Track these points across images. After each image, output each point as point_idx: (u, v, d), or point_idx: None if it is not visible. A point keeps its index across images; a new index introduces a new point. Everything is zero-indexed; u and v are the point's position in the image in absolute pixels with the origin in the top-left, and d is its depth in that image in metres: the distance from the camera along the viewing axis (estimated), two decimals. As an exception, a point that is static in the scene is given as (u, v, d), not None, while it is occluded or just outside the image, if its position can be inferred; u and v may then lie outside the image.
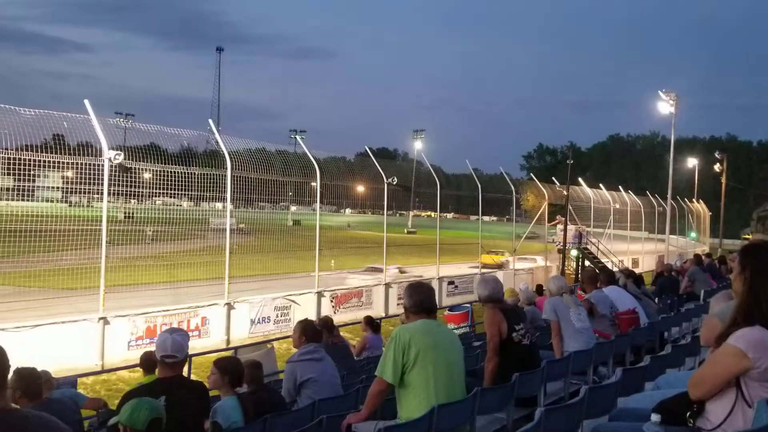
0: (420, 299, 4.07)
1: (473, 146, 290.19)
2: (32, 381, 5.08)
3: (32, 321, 11.99)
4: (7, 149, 13.47)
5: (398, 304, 20.04)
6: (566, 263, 28.75)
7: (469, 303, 17.75)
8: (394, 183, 21.36)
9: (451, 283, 22.88)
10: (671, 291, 12.23)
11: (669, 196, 38.66)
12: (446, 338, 4.05)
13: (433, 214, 35.78)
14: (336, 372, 6.24)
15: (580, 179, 36.45)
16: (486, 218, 32.08)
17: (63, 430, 2.46)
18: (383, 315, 18.38)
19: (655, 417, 2.76)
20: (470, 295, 21.25)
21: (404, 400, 3.91)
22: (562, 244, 28.84)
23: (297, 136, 23.16)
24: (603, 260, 29.44)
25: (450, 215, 73.26)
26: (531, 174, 42.26)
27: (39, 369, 6.35)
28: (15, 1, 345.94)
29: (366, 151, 24.74)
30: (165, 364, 4.12)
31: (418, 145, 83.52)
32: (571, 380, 5.82)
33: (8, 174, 14.61)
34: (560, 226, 29.95)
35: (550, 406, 3.74)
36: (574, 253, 29.30)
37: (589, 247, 30.34)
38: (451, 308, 16.99)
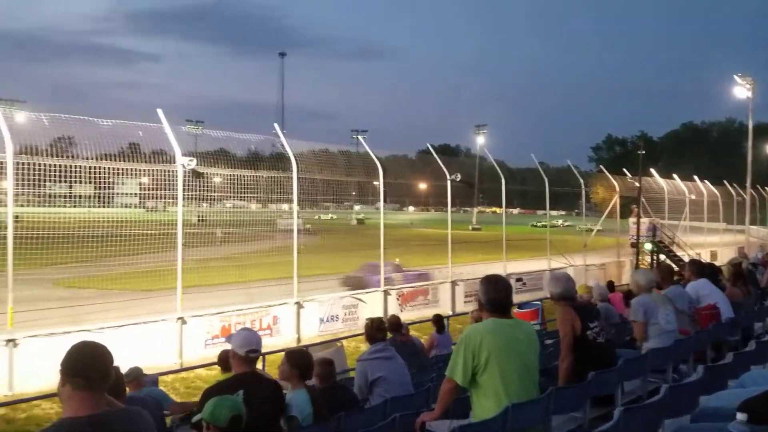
0: (494, 298, 3.99)
1: (538, 140, 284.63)
2: (116, 380, 5.32)
3: (115, 322, 12.55)
4: (87, 158, 14.18)
5: (465, 302, 19.95)
6: (640, 257, 27.86)
7: (539, 300, 17.44)
8: (458, 179, 21.19)
9: (519, 280, 22.54)
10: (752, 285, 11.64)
11: (748, 185, 36.92)
12: (520, 337, 3.96)
13: (498, 209, 35.33)
14: (406, 370, 6.25)
15: (652, 170, 35.20)
16: (554, 213, 31.41)
17: (146, 426, 2.59)
18: (450, 313, 18.29)
19: (741, 416, 2.66)
20: (540, 292, 20.88)
21: (477, 400, 3.90)
22: (635, 237, 27.96)
23: (359, 136, 23.29)
24: (678, 253, 28.37)
25: (516, 211, 72.24)
26: (600, 166, 41.08)
27: (132, 366, 6.69)
28: (89, 15, 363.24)
29: (428, 148, 24.68)
30: (244, 360, 4.24)
31: (480, 140, 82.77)
32: (650, 379, 5.65)
33: (89, 182, 15.34)
34: (632, 219, 29.06)
35: (629, 406, 3.66)
36: (648, 246, 28.34)
37: (663, 240, 29.31)
38: (520, 305, 16.73)
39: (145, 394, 6.40)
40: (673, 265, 22.50)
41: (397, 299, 18.40)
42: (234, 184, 16.62)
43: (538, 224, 46.08)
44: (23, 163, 12.06)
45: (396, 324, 8.91)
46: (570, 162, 29.21)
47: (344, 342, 13.04)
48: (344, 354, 11.34)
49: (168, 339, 12.99)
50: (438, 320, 11.00)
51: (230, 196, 18.68)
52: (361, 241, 26.00)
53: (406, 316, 15.96)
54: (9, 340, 10.91)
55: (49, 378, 9.91)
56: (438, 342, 10.50)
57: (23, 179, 12.15)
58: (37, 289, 16.66)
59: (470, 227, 53.25)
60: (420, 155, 27.08)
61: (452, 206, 21.94)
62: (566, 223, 44.07)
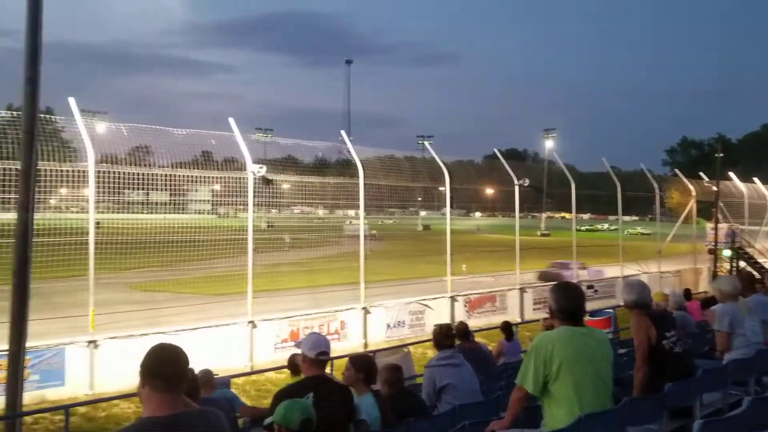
0: (566, 306, 3.90)
1: (609, 144, 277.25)
2: (192, 381, 5.47)
3: (189, 324, 12.96)
4: (163, 167, 14.75)
5: (534, 309, 19.58)
6: (718, 264, 26.64)
7: (612, 308, 16.94)
8: (526, 184, 20.87)
9: (590, 287, 21.96)
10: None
11: (836, 187, 34.67)
12: (592, 346, 3.85)
13: (567, 215, 34.52)
14: (475, 378, 6.18)
15: (730, 173, 33.63)
16: (626, 218, 30.48)
17: (222, 427, 2.65)
18: (519, 320, 17.99)
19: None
20: (612, 300, 20.29)
21: (549, 409, 3.82)
22: (713, 243, 26.77)
23: (425, 142, 23.22)
24: (760, 260, 26.97)
25: (586, 216, 70.48)
26: (675, 170, 39.50)
27: (203, 369, 6.87)
28: (167, 29, 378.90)
29: (495, 152, 24.41)
30: (314, 363, 4.29)
31: (548, 144, 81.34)
32: (731, 391, 5.39)
33: (164, 189, 15.93)
34: (710, 225, 27.84)
35: (709, 419, 3.51)
36: (726, 253, 27.06)
37: (743, 246, 27.92)
38: (592, 313, 16.28)
39: (217, 395, 6.56)
40: (755, 273, 21.47)
41: (464, 305, 18.24)
42: (302, 190, 16.92)
43: (611, 228, 44.69)
44: (103, 172, 12.63)
45: (464, 331, 8.81)
46: (643, 166, 28.24)
47: (411, 348, 13.01)
48: (411, 360, 11.31)
49: (239, 342, 13.31)
50: (507, 327, 10.82)
51: (298, 202, 19.02)
52: (426, 246, 25.92)
53: (473, 323, 15.79)
54: (90, 342, 11.43)
55: (127, 378, 10.33)
56: (507, 349, 10.33)
57: (103, 187, 12.70)
58: (116, 293, 17.42)
59: (538, 233, 52.30)
60: (486, 160, 26.86)
61: (520, 212, 21.60)
62: (644, 231, 42.47)
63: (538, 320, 14.43)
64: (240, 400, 7.53)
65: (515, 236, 20.83)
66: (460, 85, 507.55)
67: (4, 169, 11.78)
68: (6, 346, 7.46)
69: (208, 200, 20.96)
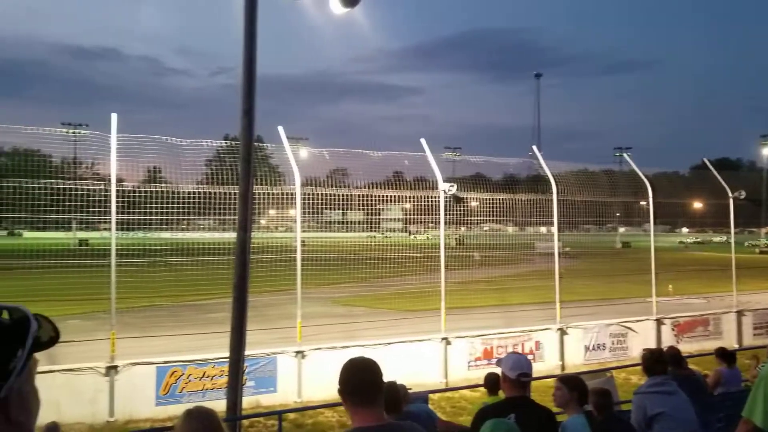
0: None
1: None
2: (391, 394, 5.60)
3: (386, 339, 13.39)
4: (358, 187, 15.53)
5: (755, 335, 17.56)
6: None
7: None
8: (741, 197, 18.82)
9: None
10: None
11: None
12: None
13: (793, 230, 30.57)
14: (691, 407, 5.72)
15: None
16: None
17: None
18: (736, 346, 16.17)
19: None
20: None
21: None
22: None
23: (624, 153, 21.91)
24: None
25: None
26: None
27: (398, 383, 7.02)
28: (360, 57, 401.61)
29: (704, 162, 22.32)
30: (516, 383, 4.21)
31: (767, 152, 72.75)
32: None
33: (359, 209, 16.75)
34: None
35: None
36: None
37: None
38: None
39: (417, 409, 6.65)
40: None
41: (672, 329, 16.81)
42: (491, 207, 16.78)
43: None
44: (307, 194, 13.58)
45: (676, 356, 8.10)
46: None
47: (613, 372, 12.23)
48: (615, 385, 10.62)
49: (433, 358, 13.45)
50: (725, 354, 9.76)
51: (487, 219, 18.89)
52: (625, 265, 24.41)
53: (683, 348, 14.48)
54: (298, 352, 12.26)
55: (331, 388, 10.90)
56: (725, 378, 9.30)
57: (306, 207, 13.65)
58: (318, 306, 18.56)
59: (757, 250, 46.99)
60: (693, 171, 24.62)
61: (735, 227, 19.53)
62: None
63: (759, 347, 12.89)
64: (435, 413, 7.58)
65: (730, 254, 18.87)
66: (656, 93, 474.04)
67: (221, 194, 13.16)
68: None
69: (400, 219, 21.68)
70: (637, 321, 16.38)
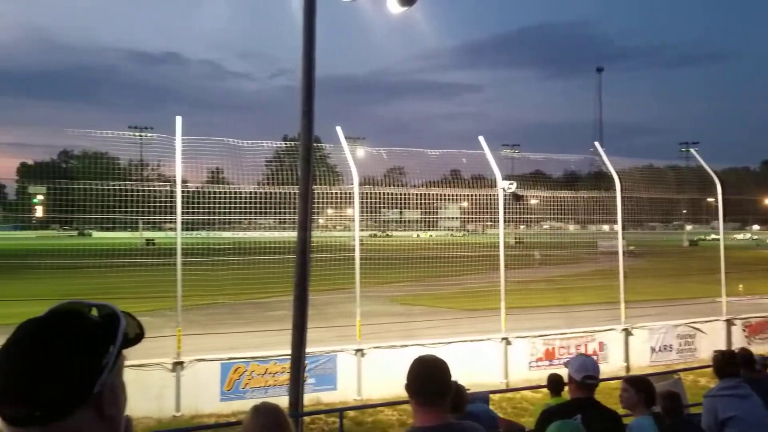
0: None
1: None
2: (457, 393, 5.57)
3: (445, 338, 13.32)
4: (415, 186, 15.52)
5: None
6: None
7: None
8: (818, 192, 17.92)
9: None
10: None
11: None
12: None
13: None
14: (764, 411, 5.53)
15: None
16: None
17: None
18: (815, 349, 15.38)
19: None
20: None
21: None
22: None
23: (691, 149, 21.17)
24: None
25: None
26: None
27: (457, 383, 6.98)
28: (418, 55, 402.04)
29: (777, 157, 21.33)
30: (581, 385, 4.14)
31: None
32: None
33: (417, 208, 16.74)
34: None
35: None
36: None
37: None
38: None
39: (478, 410, 6.59)
40: None
41: (743, 330, 16.14)
42: (551, 205, 16.48)
43: None
44: (365, 193, 13.64)
45: (748, 358, 7.76)
46: None
47: (681, 374, 11.84)
48: (683, 387, 10.27)
49: (493, 358, 13.31)
50: (803, 357, 9.29)
51: (548, 218, 18.58)
52: (693, 264, 23.59)
53: (754, 350, 13.88)
54: (357, 350, 12.33)
55: (390, 386, 10.95)
56: (803, 383, 8.85)
57: (364, 206, 13.71)
58: (377, 305, 18.64)
59: (836, 248, 44.60)
60: (765, 167, 23.59)
61: (813, 223, 18.60)
62: None
63: None
64: (495, 413, 7.51)
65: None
66: (724, 86, 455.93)
67: (281, 194, 13.37)
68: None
69: (457, 217, 21.55)
70: (706, 321, 15.78)
